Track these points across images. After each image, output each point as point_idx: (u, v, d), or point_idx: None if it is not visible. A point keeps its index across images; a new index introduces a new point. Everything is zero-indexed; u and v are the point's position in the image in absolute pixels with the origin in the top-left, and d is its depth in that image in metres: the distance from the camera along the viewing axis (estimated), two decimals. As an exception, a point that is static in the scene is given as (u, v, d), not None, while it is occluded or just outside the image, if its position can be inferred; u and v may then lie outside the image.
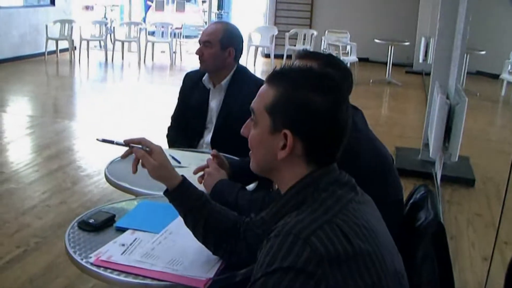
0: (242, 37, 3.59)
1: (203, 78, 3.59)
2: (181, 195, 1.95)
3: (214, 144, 3.49)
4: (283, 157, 1.51)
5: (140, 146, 2.00)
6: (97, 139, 2.10)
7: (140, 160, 1.98)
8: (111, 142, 2.04)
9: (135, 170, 1.99)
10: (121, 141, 2.01)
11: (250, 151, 1.63)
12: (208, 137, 3.58)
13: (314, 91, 1.50)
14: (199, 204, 1.94)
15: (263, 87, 1.59)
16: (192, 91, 3.67)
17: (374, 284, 1.34)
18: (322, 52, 2.60)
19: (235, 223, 1.94)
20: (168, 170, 1.98)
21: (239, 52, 3.54)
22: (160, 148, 2.00)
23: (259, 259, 1.37)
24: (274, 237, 1.37)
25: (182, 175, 1.99)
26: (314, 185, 1.49)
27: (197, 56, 3.50)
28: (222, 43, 3.44)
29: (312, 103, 1.49)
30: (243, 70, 3.62)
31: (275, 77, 1.57)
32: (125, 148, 2.03)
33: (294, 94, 1.51)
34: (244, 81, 3.50)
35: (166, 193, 1.98)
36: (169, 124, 3.82)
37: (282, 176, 1.57)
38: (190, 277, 1.88)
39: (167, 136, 3.76)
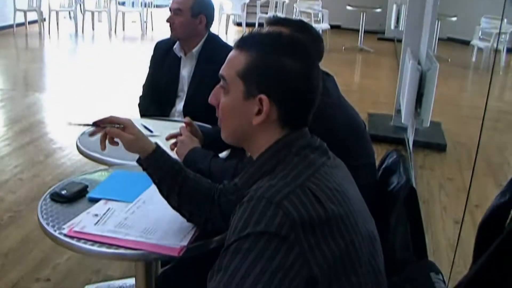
0: (213, 5, 3.58)
1: (174, 46, 3.57)
2: (154, 162, 1.94)
3: (186, 112, 3.48)
4: (258, 122, 1.51)
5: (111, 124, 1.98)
6: (69, 123, 2.09)
7: (109, 136, 1.96)
8: (81, 125, 2.01)
9: (104, 147, 1.98)
10: (90, 122, 1.98)
11: (220, 120, 1.61)
12: (180, 105, 3.57)
13: (286, 55, 1.50)
14: (173, 171, 1.93)
15: (232, 52, 1.57)
16: (163, 60, 3.65)
17: (347, 247, 1.35)
18: (293, 18, 2.58)
19: (209, 190, 1.93)
20: (143, 141, 1.96)
21: (210, 19, 3.52)
22: (130, 121, 1.99)
23: (232, 224, 1.37)
24: (247, 202, 1.37)
25: (156, 143, 1.98)
26: (286, 150, 1.49)
27: (169, 25, 3.49)
28: (192, 11, 3.43)
29: (286, 66, 1.49)
30: (214, 38, 3.60)
31: (246, 42, 1.56)
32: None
33: (267, 58, 1.50)
34: (215, 49, 3.49)
35: (139, 161, 1.96)
36: (140, 94, 3.80)
37: (256, 142, 1.56)
38: (164, 245, 1.88)
39: (139, 105, 3.73)
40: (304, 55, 1.53)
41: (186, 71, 3.56)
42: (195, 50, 3.51)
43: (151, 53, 3.77)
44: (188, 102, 3.52)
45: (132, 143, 1.94)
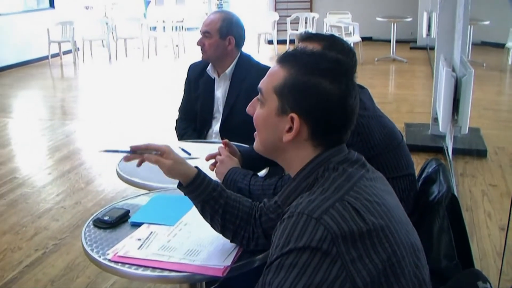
0: (242, 25, 3.59)
1: (208, 68, 3.60)
2: (197, 188, 1.93)
3: (222, 133, 3.51)
4: (288, 140, 1.52)
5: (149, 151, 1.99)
6: (103, 151, 2.09)
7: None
8: (116, 151, 2.03)
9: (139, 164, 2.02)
10: (126, 149, 2.01)
11: (256, 131, 1.64)
12: (216, 126, 3.59)
13: (325, 76, 1.50)
14: (215, 195, 1.92)
15: (274, 66, 1.59)
16: (197, 82, 3.68)
17: (389, 259, 1.34)
18: (324, 33, 2.58)
19: (250, 209, 1.94)
20: (183, 166, 1.96)
21: (240, 40, 3.54)
22: (168, 147, 2.00)
23: (274, 240, 1.38)
24: (288, 218, 1.37)
25: (196, 167, 1.98)
26: (324, 166, 1.50)
27: (200, 47, 3.52)
28: (221, 32, 3.46)
29: (323, 88, 1.49)
30: (247, 58, 3.62)
31: (287, 58, 1.57)
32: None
33: (305, 78, 1.51)
34: (248, 69, 3.51)
35: (182, 187, 1.96)
36: (177, 117, 3.83)
37: (288, 158, 1.57)
38: (208, 266, 1.89)
39: (176, 128, 3.77)
40: (343, 79, 1.53)
41: (220, 92, 3.58)
42: (228, 70, 3.53)
43: (184, 76, 3.80)
44: (224, 123, 3.54)
45: (171, 169, 1.94)
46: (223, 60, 3.54)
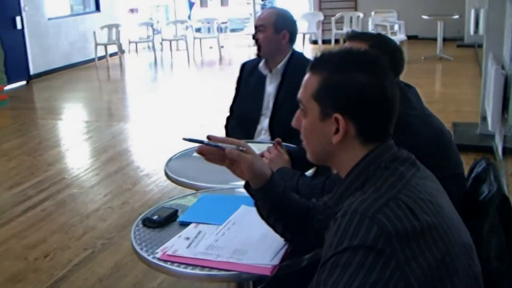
0: (295, 21, 3.64)
1: (260, 64, 3.62)
2: (272, 187, 1.88)
3: (272, 129, 3.50)
4: (338, 141, 1.51)
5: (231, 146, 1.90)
6: (184, 139, 2.00)
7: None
8: (200, 141, 1.89)
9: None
10: (203, 139, 1.90)
11: (304, 142, 1.62)
12: (265, 122, 3.58)
13: (356, 70, 1.50)
14: (283, 197, 1.90)
15: (306, 76, 1.59)
16: (248, 80, 3.72)
17: (443, 258, 1.33)
18: (370, 32, 2.57)
19: (306, 209, 1.93)
20: (260, 162, 1.91)
21: (293, 35, 3.57)
22: (247, 144, 1.93)
23: (327, 239, 1.37)
24: (341, 216, 1.36)
25: (270, 176, 1.89)
26: (375, 165, 1.49)
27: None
28: (275, 26, 3.49)
29: (357, 82, 1.49)
30: (299, 55, 3.65)
31: (316, 64, 1.58)
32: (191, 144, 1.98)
33: (337, 77, 1.51)
34: (300, 65, 3.50)
35: (250, 189, 1.90)
36: (228, 114, 3.85)
37: (339, 160, 1.56)
38: (256, 265, 1.89)
39: (226, 126, 3.78)
40: (375, 68, 1.53)
41: (271, 88, 3.59)
42: (280, 66, 3.54)
43: (230, 77, 3.83)
44: (274, 119, 3.53)
45: (252, 164, 1.85)
46: (276, 55, 3.55)
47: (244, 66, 3.84)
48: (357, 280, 1.27)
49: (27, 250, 4.33)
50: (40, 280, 3.87)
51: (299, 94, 1.59)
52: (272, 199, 1.89)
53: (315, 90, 1.53)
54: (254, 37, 3.56)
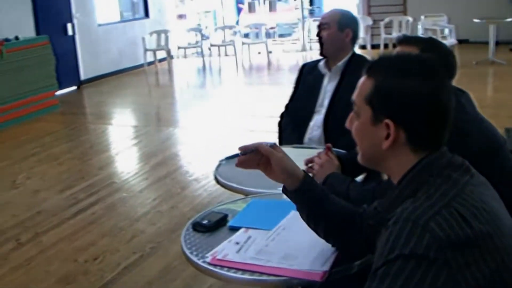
0: (358, 22, 3.69)
1: (319, 64, 3.65)
2: (307, 190, 1.89)
3: (326, 126, 3.49)
4: (387, 147, 1.49)
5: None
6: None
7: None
8: (237, 155, 1.95)
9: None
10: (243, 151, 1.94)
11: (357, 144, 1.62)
12: (318, 119, 3.56)
13: (412, 77, 1.47)
14: (321, 201, 1.90)
15: (362, 78, 1.57)
16: (306, 78, 3.75)
17: (498, 267, 1.30)
18: (422, 36, 2.55)
19: (352, 214, 1.91)
20: (292, 162, 1.92)
21: (356, 35, 3.60)
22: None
23: (379, 247, 1.35)
24: (393, 224, 1.34)
25: (303, 175, 1.92)
26: (427, 171, 1.46)
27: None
28: (339, 24, 3.52)
29: (411, 89, 1.46)
30: (360, 56, 3.68)
31: (372, 67, 1.56)
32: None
33: (391, 82, 1.49)
34: (360, 65, 3.49)
35: (287, 192, 1.93)
36: (283, 110, 3.86)
37: (389, 165, 1.54)
38: (306, 271, 1.87)
39: (279, 123, 3.80)
40: (432, 75, 1.50)
41: (330, 86, 3.58)
42: (341, 63, 3.55)
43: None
44: (329, 116, 3.51)
45: (281, 161, 1.88)
46: (338, 53, 3.57)
47: (304, 66, 3.87)
48: None
49: (77, 252, 4.39)
50: (90, 282, 3.92)
51: (354, 96, 1.58)
52: (309, 200, 1.89)
53: (368, 93, 1.52)
54: (318, 34, 3.60)
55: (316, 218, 1.92)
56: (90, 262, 4.20)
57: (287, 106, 3.84)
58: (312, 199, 1.89)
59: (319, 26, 3.61)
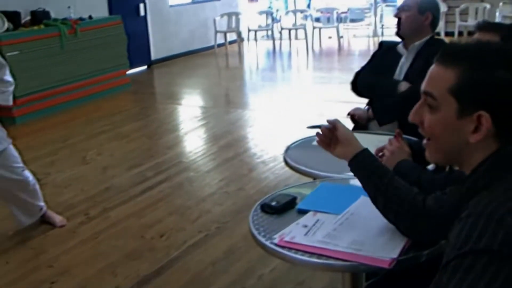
0: (439, 6, 3.68)
1: (398, 46, 3.66)
2: (362, 160, 2.00)
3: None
4: (477, 140, 1.42)
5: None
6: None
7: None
8: (318, 126, 2.14)
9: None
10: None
11: (426, 140, 1.54)
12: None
13: (500, 66, 1.40)
14: (380, 172, 1.95)
15: (436, 68, 1.49)
16: (383, 55, 3.76)
17: None
18: (503, 23, 2.48)
19: (417, 196, 1.87)
20: (353, 135, 2.09)
21: (436, 19, 3.58)
22: None
23: (451, 240, 1.31)
24: (466, 217, 1.29)
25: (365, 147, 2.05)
26: (504, 163, 1.40)
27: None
28: (420, 7, 3.52)
29: (502, 78, 1.39)
30: (439, 40, 3.67)
31: (450, 56, 1.48)
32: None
33: (481, 73, 1.41)
34: (436, 49, 3.44)
35: (350, 162, 2.03)
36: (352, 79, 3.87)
37: (469, 159, 1.46)
38: (374, 257, 1.85)
39: (352, 82, 3.83)
40: None
41: (404, 66, 3.59)
42: (417, 43, 3.54)
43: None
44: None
45: (346, 132, 2.06)
46: (415, 35, 3.56)
47: (382, 44, 3.90)
48: (479, 286, 1.20)
49: (144, 229, 4.47)
50: (155, 259, 3.98)
51: (426, 87, 1.50)
52: (367, 171, 1.97)
53: (453, 84, 1.44)
54: (396, 15, 3.61)
55: (374, 189, 1.94)
56: (156, 239, 4.27)
57: (357, 74, 3.83)
58: (371, 167, 1.97)
59: (399, 8, 3.61)
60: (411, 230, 1.91)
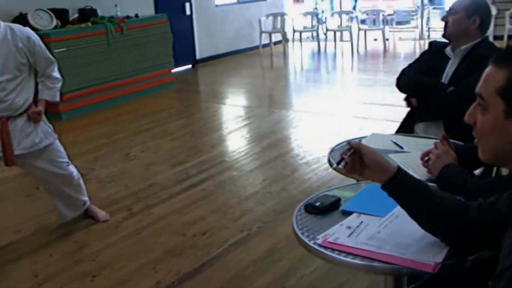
0: (490, 10, 3.58)
1: (446, 48, 3.60)
2: (398, 184, 1.90)
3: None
4: None
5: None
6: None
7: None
8: (342, 159, 2.04)
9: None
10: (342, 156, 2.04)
11: (477, 140, 1.54)
12: None
13: None
14: (418, 192, 1.88)
15: (490, 69, 1.49)
16: (432, 56, 3.71)
17: None
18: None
19: (460, 207, 1.85)
20: (383, 157, 1.95)
21: (485, 23, 3.49)
22: None
23: (505, 246, 1.30)
24: None
25: (397, 165, 1.94)
26: None
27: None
28: (467, 11, 3.44)
29: None
30: (488, 43, 3.56)
31: (502, 57, 1.47)
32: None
33: None
34: (484, 54, 3.41)
35: (384, 187, 1.93)
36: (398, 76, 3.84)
37: None
38: (418, 261, 1.84)
39: (398, 78, 3.78)
40: None
41: (451, 69, 3.54)
42: (464, 47, 3.48)
43: (394, 70, 3.80)
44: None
45: (372, 153, 1.95)
46: (461, 38, 3.50)
47: (431, 44, 3.85)
48: None
49: (186, 226, 4.51)
50: (196, 256, 4.01)
51: (479, 88, 1.50)
52: (406, 190, 1.89)
53: (501, 85, 1.43)
54: (443, 19, 3.56)
55: (416, 211, 1.89)
56: (198, 237, 4.30)
57: (403, 71, 3.80)
58: (408, 189, 1.88)
59: (447, 12, 3.55)
60: (458, 243, 1.88)
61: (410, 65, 3.81)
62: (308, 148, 6.34)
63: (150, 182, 5.53)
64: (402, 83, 3.71)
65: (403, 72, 3.79)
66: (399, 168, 1.92)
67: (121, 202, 5.08)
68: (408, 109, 3.73)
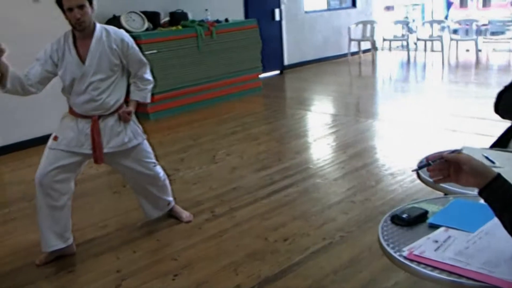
0: None
1: None
2: (495, 191, 1.84)
3: None
4: None
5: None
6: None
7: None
8: (426, 165, 2.01)
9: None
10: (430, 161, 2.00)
11: None
12: None
13: None
14: None
15: None
16: None
17: None
18: None
19: None
20: (482, 163, 1.89)
21: None
22: None
23: None
24: None
25: (498, 172, 1.88)
26: None
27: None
28: None
29: None
30: None
31: None
32: None
33: None
34: None
35: (481, 191, 1.88)
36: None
37: None
38: (509, 280, 1.78)
39: (496, 103, 3.60)
40: None
41: None
42: None
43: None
44: None
45: (471, 161, 1.89)
46: None
47: None
48: None
49: (268, 231, 4.51)
50: (277, 261, 4.00)
51: None
52: (504, 197, 1.82)
53: None
54: None
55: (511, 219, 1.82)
56: (280, 242, 4.30)
57: (501, 93, 3.63)
58: (507, 195, 1.82)
59: None
60: None
61: (506, 88, 3.65)
62: (394, 159, 6.25)
63: (234, 186, 5.57)
64: (503, 108, 3.55)
65: (501, 95, 3.63)
66: (499, 174, 1.87)
67: (205, 203, 5.15)
68: (509, 124, 3.58)
